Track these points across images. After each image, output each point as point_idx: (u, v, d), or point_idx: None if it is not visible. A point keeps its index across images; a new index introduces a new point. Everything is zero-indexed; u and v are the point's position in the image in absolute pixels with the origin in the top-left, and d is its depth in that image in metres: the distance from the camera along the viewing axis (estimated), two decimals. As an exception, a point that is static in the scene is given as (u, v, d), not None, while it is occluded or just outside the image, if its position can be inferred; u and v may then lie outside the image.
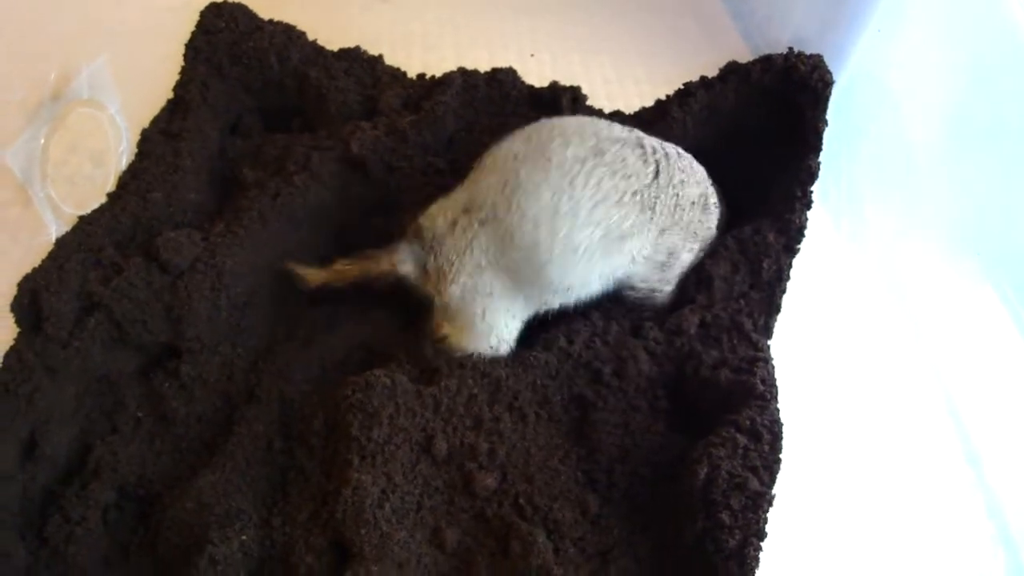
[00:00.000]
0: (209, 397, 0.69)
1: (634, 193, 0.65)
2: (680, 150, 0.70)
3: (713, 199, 0.72)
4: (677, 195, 0.68)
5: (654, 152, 0.67)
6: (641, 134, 0.68)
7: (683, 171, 0.69)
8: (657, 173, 0.66)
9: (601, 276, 0.67)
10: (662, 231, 0.68)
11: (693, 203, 0.69)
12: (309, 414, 0.66)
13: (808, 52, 0.76)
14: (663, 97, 0.82)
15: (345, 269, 0.69)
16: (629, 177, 0.65)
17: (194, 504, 0.61)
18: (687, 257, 0.71)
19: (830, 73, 0.75)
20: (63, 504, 0.62)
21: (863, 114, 0.80)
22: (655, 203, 0.66)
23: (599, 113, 0.83)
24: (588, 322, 0.70)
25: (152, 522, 0.63)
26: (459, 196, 0.67)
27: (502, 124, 0.80)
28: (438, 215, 0.66)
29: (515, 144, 0.67)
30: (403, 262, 0.67)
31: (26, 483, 0.63)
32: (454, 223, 0.65)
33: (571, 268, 0.65)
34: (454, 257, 0.65)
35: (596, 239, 0.64)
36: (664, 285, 0.71)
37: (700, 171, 0.71)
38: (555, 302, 0.68)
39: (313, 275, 0.69)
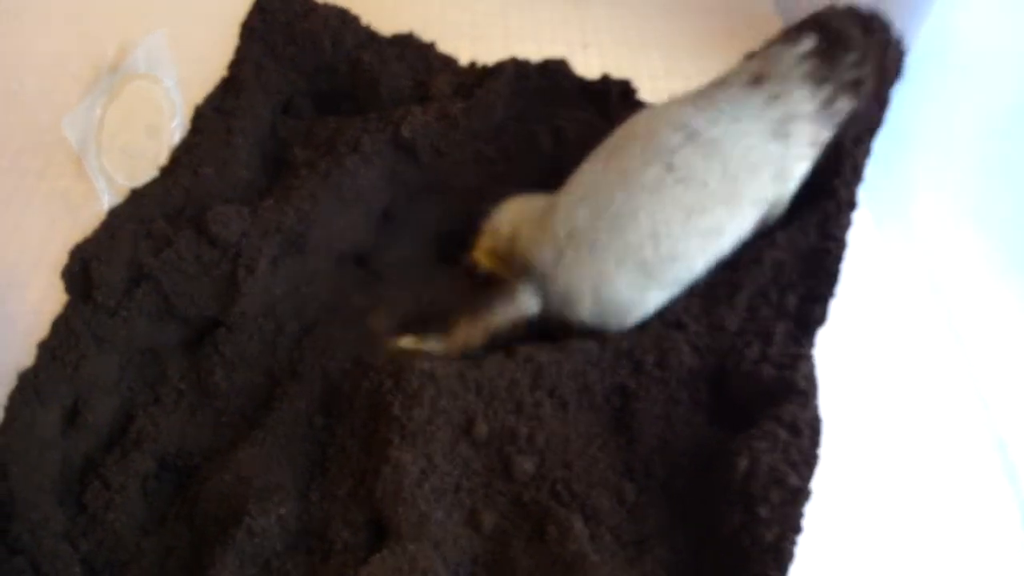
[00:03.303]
0: (251, 372, 0.69)
1: (711, 194, 0.65)
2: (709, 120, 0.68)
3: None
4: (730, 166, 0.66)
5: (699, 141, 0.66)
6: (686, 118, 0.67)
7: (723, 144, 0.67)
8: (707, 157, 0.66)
9: (713, 255, 0.68)
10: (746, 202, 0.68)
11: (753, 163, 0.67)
12: (351, 392, 0.66)
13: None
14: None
15: (470, 336, 0.69)
16: (704, 184, 0.65)
17: (233, 477, 0.62)
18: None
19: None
20: (103, 472, 0.63)
21: (915, 112, 0.79)
22: (731, 188, 0.66)
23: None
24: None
25: (190, 493, 0.63)
26: (556, 222, 0.67)
27: (552, 114, 0.81)
28: (542, 247, 0.67)
29: (599, 164, 0.68)
30: (528, 307, 0.68)
31: (68, 450, 0.64)
32: (560, 253, 0.66)
33: (684, 269, 0.67)
34: (577, 283, 0.66)
35: (694, 247, 0.66)
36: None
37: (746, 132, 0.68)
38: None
39: (426, 345, 0.69)
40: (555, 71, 0.84)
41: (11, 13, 0.66)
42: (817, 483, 0.57)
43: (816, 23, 0.70)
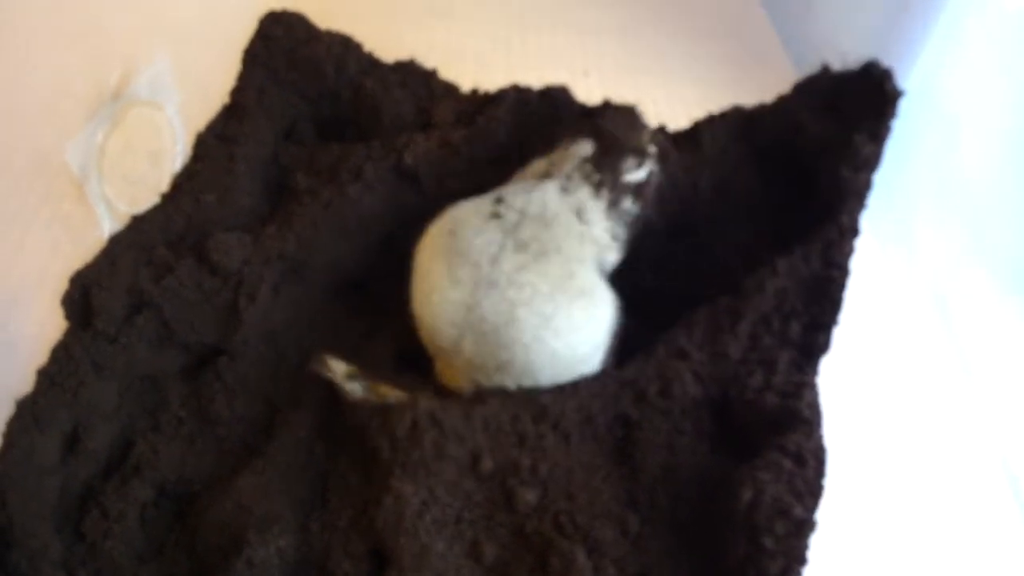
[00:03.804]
0: (252, 400, 0.69)
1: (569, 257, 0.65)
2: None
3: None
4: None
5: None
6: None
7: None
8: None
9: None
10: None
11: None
12: (351, 422, 0.66)
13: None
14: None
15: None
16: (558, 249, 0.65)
17: (233, 505, 0.62)
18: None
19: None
20: (102, 500, 0.63)
21: (918, 139, 0.79)
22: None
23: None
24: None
25: (189, 521, 0.63)
26: (454, 359, 0.66)
27: (554, 141, 0.81)
28: (461, 382, 0.67)
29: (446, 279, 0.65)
30: None
31: (66, 477, 0.64)
32: (478, 383, 0.66)
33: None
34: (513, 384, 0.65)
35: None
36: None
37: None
38: None
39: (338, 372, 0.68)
40: (556, 98, 0.83)
41: (13, 35, 0.66)
42: (822, 512, 0.57)
43: (592, 129, 0.70)
